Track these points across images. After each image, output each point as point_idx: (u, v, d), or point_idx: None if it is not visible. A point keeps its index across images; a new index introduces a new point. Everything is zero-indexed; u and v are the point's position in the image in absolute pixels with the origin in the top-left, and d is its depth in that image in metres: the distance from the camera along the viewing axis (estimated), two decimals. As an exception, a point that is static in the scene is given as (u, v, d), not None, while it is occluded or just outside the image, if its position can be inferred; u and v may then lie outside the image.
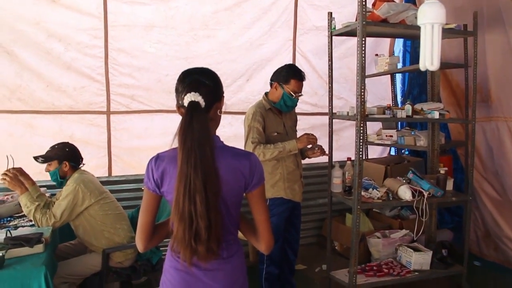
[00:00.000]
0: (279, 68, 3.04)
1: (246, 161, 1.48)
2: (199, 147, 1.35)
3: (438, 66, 1.75)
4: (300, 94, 3.01)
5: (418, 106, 3.41)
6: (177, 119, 1.43)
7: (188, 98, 1.41)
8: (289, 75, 2.96)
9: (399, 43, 5.04)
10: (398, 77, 5.15)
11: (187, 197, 1.34)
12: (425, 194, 3.14)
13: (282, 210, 3.04)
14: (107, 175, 3.86)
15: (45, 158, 2.83)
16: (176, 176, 1.37)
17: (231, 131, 4.04)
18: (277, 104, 3.02)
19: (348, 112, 3.35)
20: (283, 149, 2.92)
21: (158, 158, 1.48)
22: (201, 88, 1.43)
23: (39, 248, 2.32)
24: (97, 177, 3.10)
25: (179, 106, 1.48)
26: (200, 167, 1.34)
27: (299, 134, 3.20)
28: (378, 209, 4.46)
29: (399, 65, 4.01)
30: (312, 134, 3.05)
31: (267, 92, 3.10)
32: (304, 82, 3.02)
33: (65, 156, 2.84)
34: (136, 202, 3.62)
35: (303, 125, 4.39)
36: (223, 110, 1.56)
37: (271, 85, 3.04)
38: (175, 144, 1.39)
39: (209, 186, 1.35)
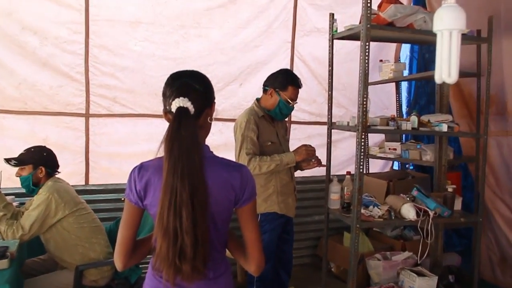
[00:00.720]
0: (274, 73, 3.05)
1: (237, 174, 1.49)
2: (187, 156, 1.35)
3: (456, 78, 1.69)
4: (296, 102, 3.03)
5: (425, 118, 3.42)
6: (163, 124, 1.43)
7: (176, 103, 1.41)
8: (287, 82, 2.98)
9: (405, 48, 5.07)
10: (404, 85, 5.18)
11: (173, 211, 1.33)
12: (431, 213, 3.14)
13: (274, 226, 3.04)
14: (83, 183, 3.83)
15: (18, 161, 2.78)
16: (161, 188, 1.37)
17: (221, 140, 4.04)
18: (272, 111, 3.03)
19: (348, 122, 3.37)
20: (280, 162, 2.92)
21: (141, 167, 1.48)
22: (190, 93, 1.44)
23: (3, 264, 2.29)
24: (73, 185, 3.08)
25: (166, 111, 1.48)
26: (187, 179, 1.34)
27: (293, 144, 3.21)
28: (379, 228, 4.47)
29: (405, 73, 4.04)
30: (311, 146, 3.06)
31: (259, 98, 3.11)
32: (302, 89, 3.05)
33: (42, 161, 2.81)
34: (115, 214, 3.61)
35: (299, 135, 4.43)
36: (213, 116, 1.56)
37: (265, 91, 3.05)
38: (161, 153, 1.38)
39: (197, 199, 1.35)
